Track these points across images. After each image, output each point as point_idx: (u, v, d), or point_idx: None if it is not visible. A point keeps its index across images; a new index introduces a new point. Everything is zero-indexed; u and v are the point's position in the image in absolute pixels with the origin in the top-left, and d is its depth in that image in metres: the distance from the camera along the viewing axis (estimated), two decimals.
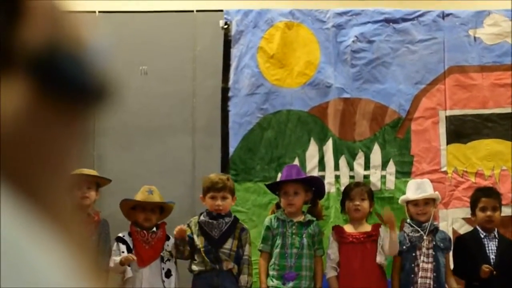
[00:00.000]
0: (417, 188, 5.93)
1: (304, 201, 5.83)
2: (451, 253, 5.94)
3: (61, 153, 0.65)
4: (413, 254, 5.70)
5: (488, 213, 5.87)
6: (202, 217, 5.78)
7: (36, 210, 0.61)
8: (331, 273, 5.76)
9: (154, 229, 5.90)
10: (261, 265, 5.74)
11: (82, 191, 5.54)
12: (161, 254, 5.83)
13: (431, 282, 5.58)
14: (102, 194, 5.98)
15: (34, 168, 0.63)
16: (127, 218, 5.91)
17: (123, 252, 5.80)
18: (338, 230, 5.85)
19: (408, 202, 5.92)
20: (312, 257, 5.74)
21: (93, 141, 6.52)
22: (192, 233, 5.75)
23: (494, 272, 5.62)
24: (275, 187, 5.96)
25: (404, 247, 5.74)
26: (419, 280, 5.58)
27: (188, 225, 5.78)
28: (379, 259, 5.74)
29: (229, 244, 5.71)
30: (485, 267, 5.62)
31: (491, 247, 5.83)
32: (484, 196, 5.95)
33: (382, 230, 5.83)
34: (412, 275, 5.64)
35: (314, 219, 5.83)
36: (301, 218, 5.77)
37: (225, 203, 5.76)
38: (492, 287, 5.64)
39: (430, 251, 5.68)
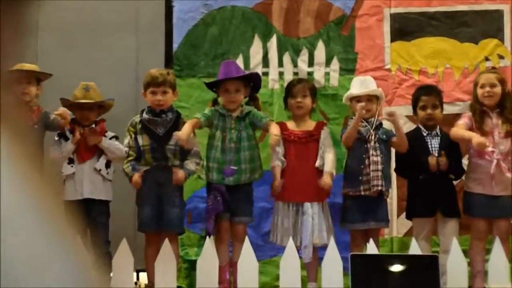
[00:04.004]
0: (360, 85, 5.94)
1: (243, 97, 5.81)
2: (393, 153, 6.03)
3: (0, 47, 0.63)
4: (365, 146, 5.76)
5: (428, 111, 5.94)
6: (144, 115, 5.75)
7: None
8: (276, 162, 5.79)
9: (93, 125, 5.87)
10: (188, 121, 5.62)
11: (22, 86, 5.48)
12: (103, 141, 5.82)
13: (381, 174, 5.67)
14: (44, 91, 5.91)
15: None
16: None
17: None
18: (281, 127, 5.85)
19: (352, 99, 5.94)
20: (252, 147, 5.72)
21: (36, 36, 6.43)
22: (136, 133, 5.74)
23: (440, 159, 5.72)
24: (214, 85, 5.90)
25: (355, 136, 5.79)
26: (372, 174, 5.66)
27: (131, 125, 5.76)
28: (319, 163, 5.79)
29: (174, 140, 5.67)
30: (432, 158, 5.72)
31: (434, 144, 5.91)
32: (423, 94, 6.01)
33: (325, 131, 5.86)
34: (362, 166, 5.71)
35: (251, 109, 5.78)
36: (238, 112, 5.74)
37: (165, 98, 5.73)
38: (435, 182, 5.75)
39: (377, 144, 5.74)
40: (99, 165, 5.80)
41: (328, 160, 5.76)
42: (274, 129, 5.56)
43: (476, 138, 5.60)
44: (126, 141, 5.75)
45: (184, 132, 5.40)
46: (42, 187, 0.64)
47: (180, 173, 5.66)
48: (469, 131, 5.75)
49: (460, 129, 5.80)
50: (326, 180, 5.68)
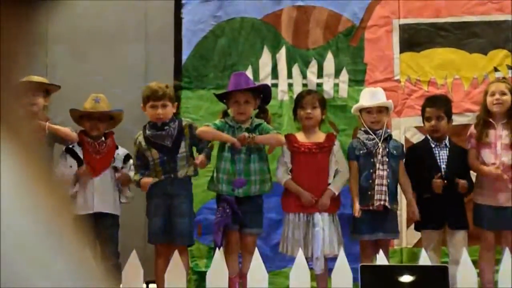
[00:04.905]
0: (371, 96, 5.92)
1: (253, 109, 5.82)
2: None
3: (9, 58, 0.63)
4: (372, 160, 5.75)
5: (432, 122, 5.93)
6: (147, 131, 5.76)
7: None
8: (286, 177, 5.78)
9: (103, 138, 5.90)
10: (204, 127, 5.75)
11: (30, 98, 5.49)
12: (113, 165, 5.87)
13: (386, 189, 5.65)
14: (53, 102, 5.92)
15: None
16: (80, 126, 5.91)
17: (70, 166, 5.79)
18: (290, 139, 5.86)
19: (361, 110, 5.93)
20: (262, 159, 5.74)
21: (45, 48, 6.45)
22: (139, 151, 5.76)
23: (445, 182, 5.70)
24: (224, 96, 5.90)
25: (362, 152, 5.78)
26: (376, 188, 5.65)
27: (134, 144, 5.78)
28: (332, 186, 5.78)
29: (184, 147, 5.73)
30: (436, 180, 5.70)
31: (442, 156, 5.89)
32: (428, 106, 6.01)
33: (337, 147, 5.84)
34: (370, 181, 5.70)
35: (261, 121, 5.78)
36: (248, 124, 5.74)
37: (165, 111, 5.72)
38: (442, 196, 5.73)
39: (385, 158, 5.73)
40: (130, 194, 5.90)
41: (337, 178, 5.76)
42: (272, 135, 5.66)
43: (493, 171, 5.65)
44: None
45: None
46: (51, 200, 0.64)
47: (200, 157, 5.69)
48: (481, 165, 5.77)
49: (475, 163, 5.82)
50: (324, 200, 5.70)
